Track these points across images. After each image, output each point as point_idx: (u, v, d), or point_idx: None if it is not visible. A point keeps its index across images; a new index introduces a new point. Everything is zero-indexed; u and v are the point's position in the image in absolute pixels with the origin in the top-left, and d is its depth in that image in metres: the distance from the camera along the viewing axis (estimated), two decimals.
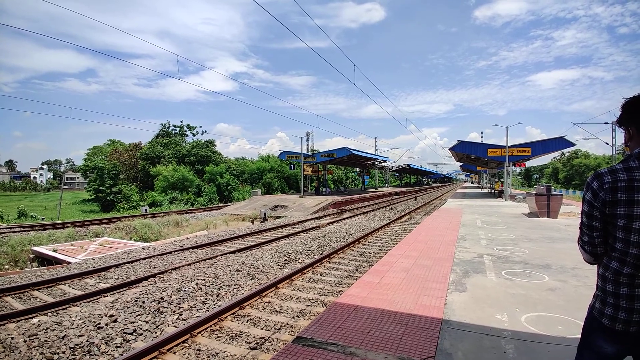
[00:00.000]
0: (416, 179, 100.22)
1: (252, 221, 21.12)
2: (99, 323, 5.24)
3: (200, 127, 70.27)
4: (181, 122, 56.61)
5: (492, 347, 3.27)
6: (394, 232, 14.26)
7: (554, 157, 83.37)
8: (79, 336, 4.90)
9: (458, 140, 29.23)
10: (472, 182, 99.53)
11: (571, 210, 16.79)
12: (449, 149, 33.20)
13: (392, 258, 7.28)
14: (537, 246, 8.22)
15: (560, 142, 25.82)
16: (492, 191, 36.05)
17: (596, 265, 1.72)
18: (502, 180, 29.89)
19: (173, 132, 54.25)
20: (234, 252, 10.65)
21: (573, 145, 27.31)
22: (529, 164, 48.78)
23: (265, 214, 21.24)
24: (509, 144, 26.36)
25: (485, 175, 47.66)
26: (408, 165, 66.43)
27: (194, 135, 55.75)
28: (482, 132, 42.35)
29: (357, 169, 65.37)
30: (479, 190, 48.87)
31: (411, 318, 4.11)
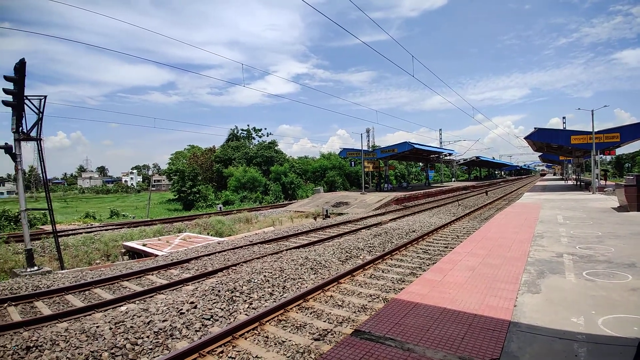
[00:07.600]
0: (487, 172, 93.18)
1: (315, 218, 21.69)
2: (181, 309, 5.90)
3: (265, 129, 73.76)
4: (248, 125, 60.21)
5: (563, 351, 3.05)
6: (461, 229, 13.57)
7: None
8: (163, 321, 5.44)
9: (535, 128, 26.57)
10: (554, 174, 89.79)
11: None
12: (525, 138, 30.26)
13: (457, 256, 7.02)
14: (624, 243, 7.32)
15: None
16: (578, 183, 32.15)
17: None
18: (602, 170, 26.34)
19: (241, 135, 57.85)
20: (298, 247, 11.12)
21: None
22: (619, 151, 42.47)
23: (327, 210, 21.65)
24: (595, 130, 23.29)
25: (569, 165, 42.63)
26: (477, 157, 61.99)
27: (259, 137, 58.87)
28: (564, 118, 37.47)
29: (421, 164, 62.97)
30: (562, 182, 43.84)
31: (475, 318, 3.98)
